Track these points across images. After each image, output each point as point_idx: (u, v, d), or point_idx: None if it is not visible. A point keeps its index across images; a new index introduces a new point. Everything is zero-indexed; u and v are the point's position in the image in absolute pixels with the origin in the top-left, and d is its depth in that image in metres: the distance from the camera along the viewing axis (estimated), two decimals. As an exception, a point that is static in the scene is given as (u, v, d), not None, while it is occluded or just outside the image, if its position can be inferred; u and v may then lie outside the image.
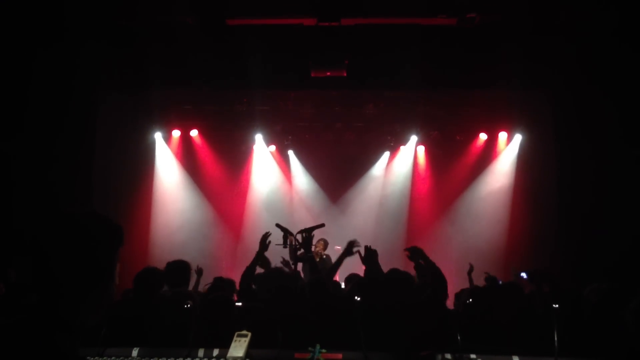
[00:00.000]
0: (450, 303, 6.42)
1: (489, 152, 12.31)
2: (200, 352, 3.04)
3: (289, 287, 3.96)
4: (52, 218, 1.59)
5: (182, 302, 3.76)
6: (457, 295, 7.03)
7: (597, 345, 3.36)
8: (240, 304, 4.33)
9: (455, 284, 8.19)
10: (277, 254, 6.16)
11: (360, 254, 5.52)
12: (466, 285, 7.68)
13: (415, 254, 4.75)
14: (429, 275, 4.56)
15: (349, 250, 5.62)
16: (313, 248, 7.21)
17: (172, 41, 8.41)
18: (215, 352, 3.05)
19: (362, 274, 7.56)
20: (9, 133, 8.22)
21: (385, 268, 5.18)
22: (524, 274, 6.56)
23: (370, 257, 5.28)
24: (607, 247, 8.44)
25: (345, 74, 8.69)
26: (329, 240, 9.76)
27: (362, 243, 5.63)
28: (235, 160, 12.83)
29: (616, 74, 8.22)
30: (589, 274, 7.44)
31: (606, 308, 4.00)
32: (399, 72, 8.78)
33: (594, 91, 8.64)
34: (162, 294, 4.62)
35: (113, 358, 2.94)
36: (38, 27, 7.84)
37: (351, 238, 5.82)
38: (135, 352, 3.05)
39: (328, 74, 8.77)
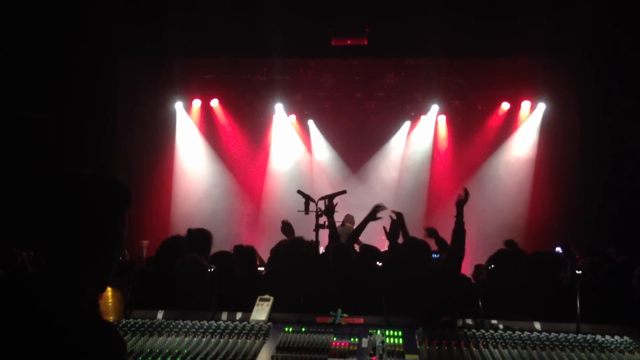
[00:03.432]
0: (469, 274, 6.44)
1: (511, 122, 12.16)
2: (224, 316, 3.08)
3: (311, 254, 3.98)
4: (60, 178, 1.57)
5: (203, 267, 3.81)
6: (477, 267, 7.03)
7: (618, 313, 3.36)
8: (262, 269, 4.41)
9: (475, 254, 8.20)
10: (299, 221, 6.18)
11: (385, 229, 5.50)
12: (484, 257, 7.65)
13: (432, 234, 4.83)
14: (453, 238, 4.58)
15: (372, 215, 5.59)
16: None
17: (193, 9, 8.37)
18: (238, 315, 3.09)
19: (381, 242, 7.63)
20: (29, 101, 8.29)
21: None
22: (559, 248, 6.56)
23: (395, 232, 5.29)
24: (631, 219, 8.33)
25: (366, 42, 8.59)
26: (348, 209, 9.79)
27: (382, 212, 5.61)
28: (256, 129, 12.85)
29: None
30: (611, 245, 7.38)
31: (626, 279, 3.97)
32: (420, 40, 8.64)
33: (620, 59, 8.44)
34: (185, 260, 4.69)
35: (139, 320, 2.99)
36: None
37: (370, 206, 5.78)
38: (160, 315, 3.10)
39: (349, 42, 8.68)
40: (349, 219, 10.27)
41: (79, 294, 1.47)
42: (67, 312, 1.39)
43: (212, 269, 3.45)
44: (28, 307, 1.38)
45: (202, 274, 3.64)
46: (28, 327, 1.34)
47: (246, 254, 5.17)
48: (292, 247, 4.22)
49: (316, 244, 5.66)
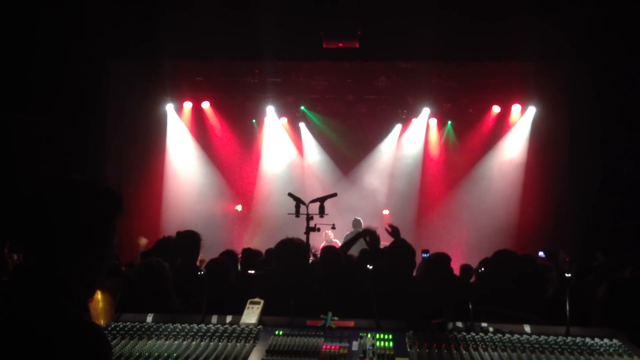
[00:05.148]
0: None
1: (502, 125, 12.22)
2: (214, 319, 3.06)
3: (302, 257, 3.96)
4: (50, 182, 1.57)
5: (158, 271, 3.81)
6: (463, 268, 7.07)
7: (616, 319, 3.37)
8: (252, 272, 4.40)
9: (465, 255, 8.24)
10: (289, 224, 6.17)
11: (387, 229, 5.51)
12: (474, 259, 7.68)
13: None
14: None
15: (360, 237, 5.58)
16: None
17: (184, 11, 8.34)
18: (228, 318, 3.07)
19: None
20: (18, 103, 8.23)
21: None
22: (541, 253, 6.61)
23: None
24: (620, 224, 8.37)
25: (357, 45, 8.60)
26: (339, 211, 9.84)
27: (373, 215, 5.64)
28: (247, 132, 12.84)
29: (632, 44, 8.06)
30: (601, 251, 7.41)
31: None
32: (412, 44, 8.66)
33: (610, 63, 8.48)
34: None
35: (128, 323, 2.97)
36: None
37: (361, 212, 5.79)
38: (149, 318, 3.08)
39: (340, 45, 8.68)
40: (357, 223, 10.37)
41: (67, 298, 1.47)
42: (54, 315, 1.39)
43: (202, 272, 3.43)
44: (14, 310, 1.38)
45: (160, 279, 3.64)
46: (14, 330, 1.34)
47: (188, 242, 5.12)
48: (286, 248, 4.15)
49: (307, 246, 5.65)
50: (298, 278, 3.78)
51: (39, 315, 1.38)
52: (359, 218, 10.46)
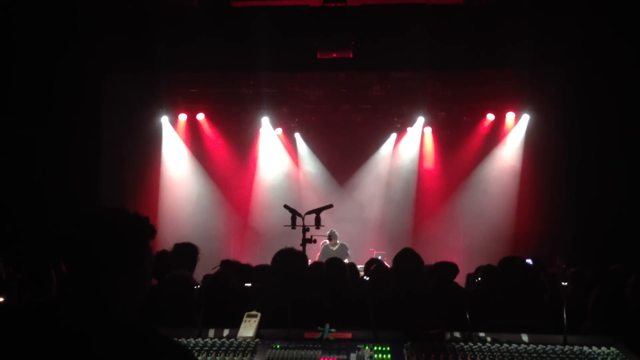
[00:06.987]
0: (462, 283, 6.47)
1: (497, 133, 12.24)
2: (211, 333, 3.04)
3: (299, 268, 3.93)
4: (85, 214, 1.75)
5: (188, 284, 3.78)
6: (470, 276, 7.06)
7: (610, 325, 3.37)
8: (249, 284, 4.39)
9: (462, 264, 8.21)
10: (285, 235, 6.17)
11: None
12: (471, 267, 7.67)
13: None
14: None
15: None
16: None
17: (179, 24, 8.37)
18: (226, 332, 3.05)
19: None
20: (13, 117, 8.22)
21: (392, 249, 5.21)
22: (529, 260, 6.59)
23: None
24: (615, 230, 8.38)
25: (351, 55, 8.64)
26: (335, 222, 9.82)
27: (369, 225, 5.63)
28: (242, 143, 12.83)
29: (627, 51, 8.10)
30: (596, 257, 7.42)
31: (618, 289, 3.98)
32: (406, 53, 8.70)
33: (604, 71, 8.52)
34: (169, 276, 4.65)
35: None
36: (45, 6, 7.83)
37: (358, 219, 5.79)
38: (147, 333, 3.05)
39: (334, 55, 8.73)
40: (333, 235, 10.22)
41: (115, 312, 1.62)
42: (112, 326, 1.55)
43: (199, 286, 3.42)
44: (75, 325, 1.53)
45: (189, 291, 3.60)
46: (81, 344, 1.49)
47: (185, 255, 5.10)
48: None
49: (304, 256, 5.65)
50: (297, 288, 3.76)
51: (100, 327, 1.54)
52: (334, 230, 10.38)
